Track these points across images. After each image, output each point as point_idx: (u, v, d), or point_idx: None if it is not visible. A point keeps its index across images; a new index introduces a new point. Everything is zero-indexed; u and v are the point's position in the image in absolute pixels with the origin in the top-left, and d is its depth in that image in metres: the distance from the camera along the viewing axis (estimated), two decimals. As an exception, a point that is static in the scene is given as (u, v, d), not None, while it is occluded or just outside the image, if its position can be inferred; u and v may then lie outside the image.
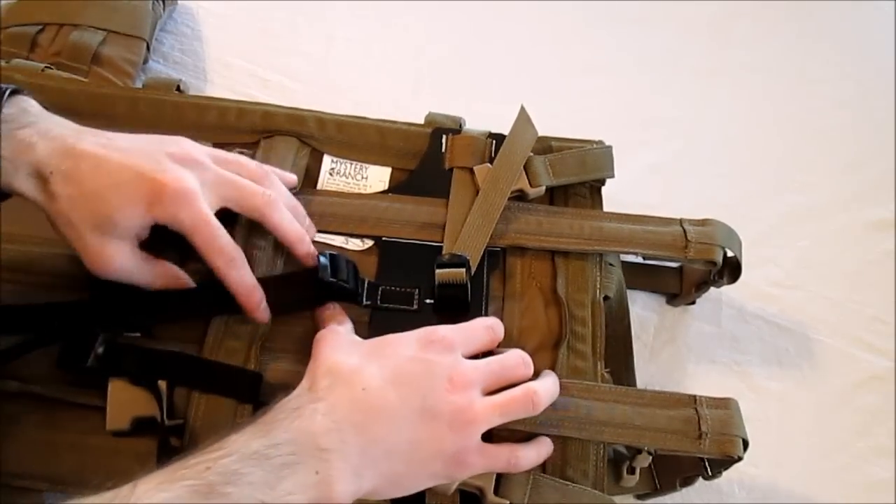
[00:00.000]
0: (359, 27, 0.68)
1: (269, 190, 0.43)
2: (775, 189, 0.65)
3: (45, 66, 0.52)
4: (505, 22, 0.71)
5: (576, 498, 0.41)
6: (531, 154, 0.50)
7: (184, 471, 0.31)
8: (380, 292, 0.46)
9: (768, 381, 0.56)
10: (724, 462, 0.44)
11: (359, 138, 0.52)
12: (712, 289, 0.54)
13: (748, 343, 0.58)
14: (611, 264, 0.50)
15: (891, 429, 0.55)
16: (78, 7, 0.57)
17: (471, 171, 0.50)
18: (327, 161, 0.52)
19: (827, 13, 0.75)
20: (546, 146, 0.52)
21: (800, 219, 0.63)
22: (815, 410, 0.55)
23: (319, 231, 0.48)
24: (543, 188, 0.50)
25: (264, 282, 0.43)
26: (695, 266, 0.52)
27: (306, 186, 0.50)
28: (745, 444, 0.42)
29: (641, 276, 0.56)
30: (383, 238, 0.48)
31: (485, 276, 0.47)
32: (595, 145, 0.52)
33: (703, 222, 0.50)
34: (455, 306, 0.46)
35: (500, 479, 0.40)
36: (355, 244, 0.48)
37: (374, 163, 0.52)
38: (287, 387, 0.38)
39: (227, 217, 0.43)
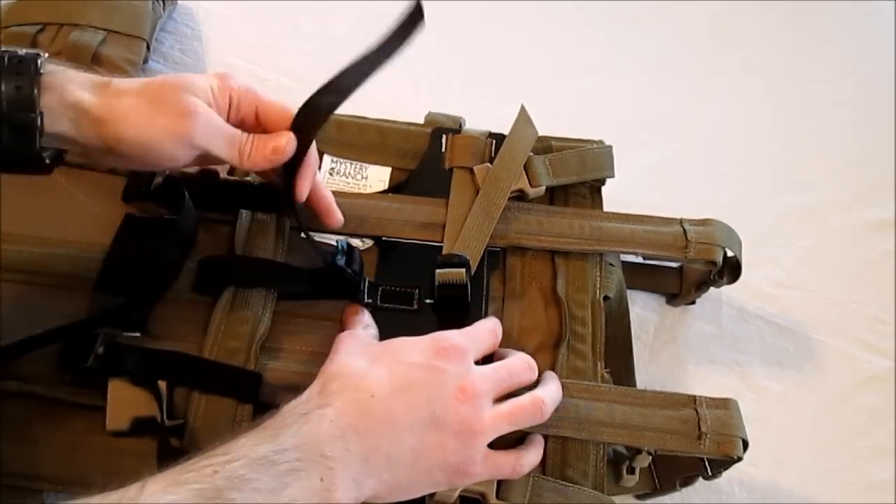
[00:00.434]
0: (359, 27, 0.68)
1: None
2: (775, 189, 0.65)
3: (45, 66, 0.52)
4: (505, 22, 0.71)
5: (575, 498, 0.41)
6: (531, 154, 0.50)
7: (191, 473, 0.31)
8: (380, 292, 0.46)
9: (768, 381, 0.56)
10: (724, 462, 0.43)
11: (359, 138, 0.52)
12: (712, 289, 0.54)
13: (748, 343, 0.58)
14: (611, 264, 0.50)
15: (891, 429, 0.55)
16: (78, 7, 0.57)
17: (471, 170, 0.50)
18: (327, 161, 0.51)
19: (827, 13, 0.75)
20: (546, 146, 0.52)
21: (800, 219, 0.63)
22: (815, 410, 0.55)
23: (320, 231, 0.48)
24: (543, 188, 0.50)
25: (273, 264, 0.44)
26: (695, 266, 0.52)
27: (306, 186, 0.50)
28: (745, 445, 0.42)
29: (641, 276, 0.56)
30: (383, 238, 0.48)
31: (485, 276, 0.47)
32: (595, 145, 0.53)
33: (704, 222, 0.50)
34: (455, 306, 0.46)
35: (501, 481, 0.40)
36: (355, 244, 0.48)
37: (374, 163, 0.52)
38: (287, 387, 0.38)
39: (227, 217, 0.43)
